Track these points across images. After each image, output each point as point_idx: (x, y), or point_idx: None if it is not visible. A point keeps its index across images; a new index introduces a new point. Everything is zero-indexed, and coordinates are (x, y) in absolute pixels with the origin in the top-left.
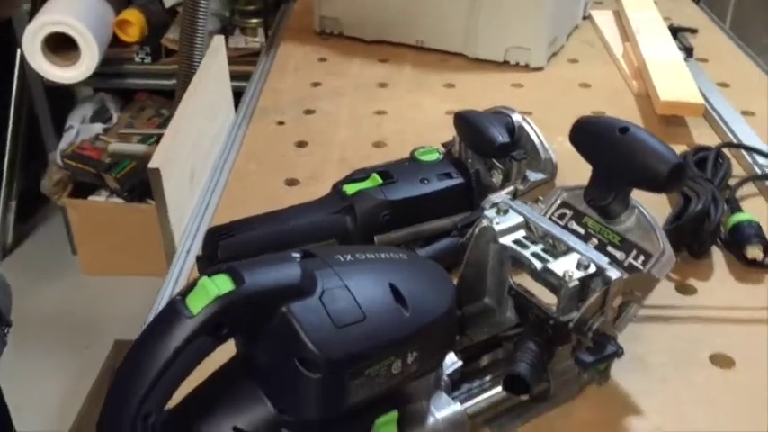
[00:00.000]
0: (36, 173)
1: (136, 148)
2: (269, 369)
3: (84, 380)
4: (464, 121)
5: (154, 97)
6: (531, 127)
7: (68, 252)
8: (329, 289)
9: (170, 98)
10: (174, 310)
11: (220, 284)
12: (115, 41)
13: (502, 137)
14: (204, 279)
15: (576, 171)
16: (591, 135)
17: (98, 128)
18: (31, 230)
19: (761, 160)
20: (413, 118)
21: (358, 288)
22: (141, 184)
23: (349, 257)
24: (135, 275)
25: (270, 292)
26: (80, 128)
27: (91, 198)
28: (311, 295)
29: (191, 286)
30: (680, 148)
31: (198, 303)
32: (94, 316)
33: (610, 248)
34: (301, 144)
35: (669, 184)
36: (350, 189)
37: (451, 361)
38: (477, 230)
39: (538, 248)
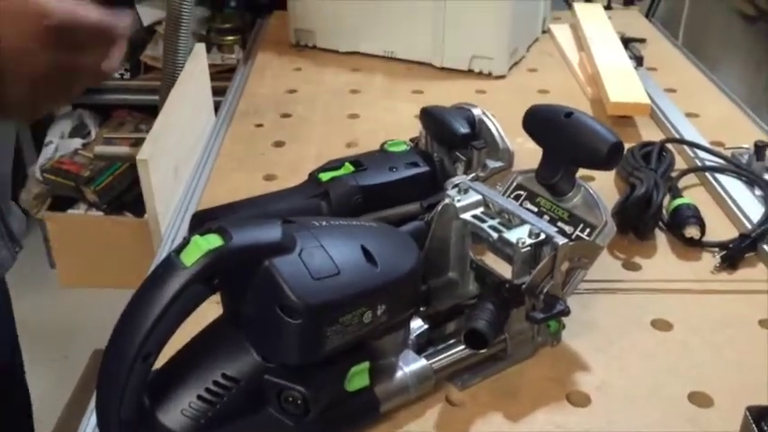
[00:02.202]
0: (15, 187)
1: (120, 150)
2: (253, 319)
3: (63, 389)
4: (429, 115)
5: (133, 113)
6: (491, 120)
7: (47, 265)
8: (307, 247)
9: (149, 114)
10: (170, 263)
11: (211, 241)
12: None
13: (463, 128)
14: (196, 237)
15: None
16: (540, 120)
17: (77, 143)
18: None
19: (702, 154)
20: (383, 120)
21: (333, 247)
22: (119, 197)
23: (324, 223)
24: (113, 288)
25: (254, 247)
26: (59, 143)
27: (70, 211)
28: (291, 252)
29: (184, 244)
30: (628, 145)
31: (191, 257)
32: (73, 327)
33: (560, 224)
34: (278, 144)
35: (609, 161)
36: (324, 176)
37: (418, 325)
38: (440, 207)
39: (495, 222)
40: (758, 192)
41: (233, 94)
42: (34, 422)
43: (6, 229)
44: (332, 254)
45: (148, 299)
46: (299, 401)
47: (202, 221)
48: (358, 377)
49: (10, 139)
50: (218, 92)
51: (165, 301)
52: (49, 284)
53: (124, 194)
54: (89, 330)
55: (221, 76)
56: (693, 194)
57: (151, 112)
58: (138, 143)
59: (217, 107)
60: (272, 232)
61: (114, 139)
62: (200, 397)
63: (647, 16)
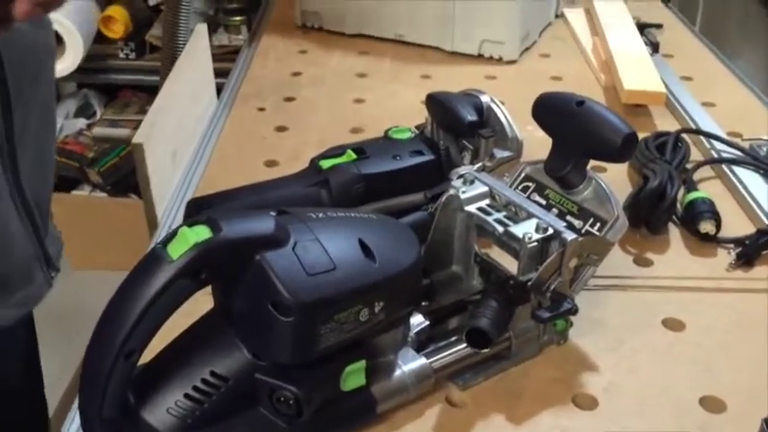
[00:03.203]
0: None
1: (120, 132)
2: (244, 315)
3: (67, 370)
4: (436, 102)
5: (138, 94)
6: (499, 108)
7: None
8: (301, 241)
9: (154, 95)
10: (156, 255)
11: (199, 233)
12: (99, 38)
13: (471, 115)
14: (184, 228)
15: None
16: (550, 108)
17: (82, 123)
18: None
19: (719, 146)
20: (390, 106)
21: (329, 241)
22: (124, 179)
23: (321, 215)
24: (117, 270)
25: (245, 240)
26: (63, 123)
27: (74, 192)
28: (284, 246)
29: (171, 235)
30: (642, 135)
31: (178, 250)
32: (77, 309)
33: (569, 218)
34: (281, 129)
35: (622, 153)
36: (325, 164)
37: (419, 321)
38: (444, 199)
39: (501, 215)
40: None
41: (236, 76)
42: None
43: (44, 255)
44: (327, 248)
45: (132, 294)
46: (292, 401)
47: (198, 209)
48: (354, 376)
49: (51, 158)
50: (223, 73)
51: (149, 296)
52: None
53: (129, 176)
54: (93, 313)
55: (227, 57)
56: (709, 188)
57: (156, 92)
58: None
59: (221, 89)
60: (264, 224)
61: (119, 121)
62: (187, 395)
63: (663, 1)
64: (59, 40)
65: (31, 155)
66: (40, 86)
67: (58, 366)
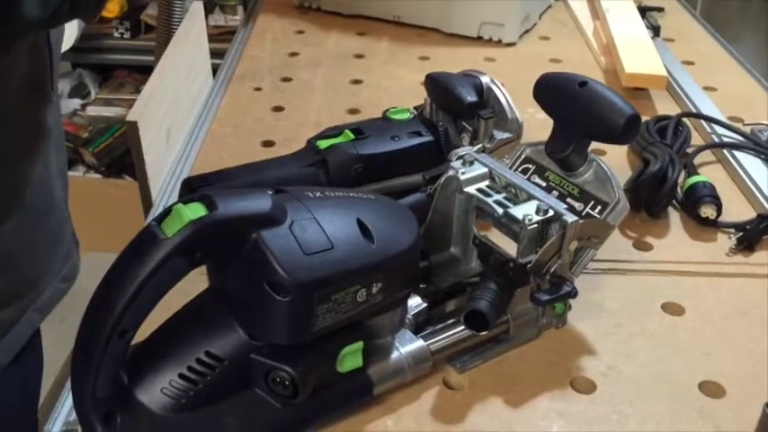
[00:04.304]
0: None
1: (114, 111)
2: (240, 295)
3: (59, 352)
4: (435, 82)
5: (133, 74)
6: (499, 89)
7: None
8: (299, 220)
9: (149, 75)
10: (150, 233)
11: (194, 210)
12: None
13: (470, 96)
14: (179, 206)
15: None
16: (552, 89)
17: (76, 103)
18: None
19: (720, 130)
20: (387, 87)
21: (326, 220)
22: (119, 160)
23: (318, 194)
24: (110, 252)
25: (241, 218)
26: None
27: (68, 173)
28: (281, 224)
29: (166, 212)
30: (643, 119)
31: (172, 227)
32: (70, 290)
33: (570, 200)
34: (278, 109)
35: (625, 135)
36: (323, 144)
37: (417, 303)
38: (443, 180)
39: (500, 197)
40: None
41: (232, 56)
42: None
43: (73, 234)
44: (325, 227)
45: (125, 272)
46: (288, 383)
47: (193, 188)
48: (350, 358)
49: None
50: (220, 54)
51: (143, 274)
52: None
53: (124, 157)
54: (85, 294)
55: (224, 38)
56: (709, 172)
57: (151, 72)
58: None
59: (217, 70)
60: (260, 203)
61: (114, 101)
62: (181, 375)
63: None
64: None
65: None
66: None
67: (49, 345)
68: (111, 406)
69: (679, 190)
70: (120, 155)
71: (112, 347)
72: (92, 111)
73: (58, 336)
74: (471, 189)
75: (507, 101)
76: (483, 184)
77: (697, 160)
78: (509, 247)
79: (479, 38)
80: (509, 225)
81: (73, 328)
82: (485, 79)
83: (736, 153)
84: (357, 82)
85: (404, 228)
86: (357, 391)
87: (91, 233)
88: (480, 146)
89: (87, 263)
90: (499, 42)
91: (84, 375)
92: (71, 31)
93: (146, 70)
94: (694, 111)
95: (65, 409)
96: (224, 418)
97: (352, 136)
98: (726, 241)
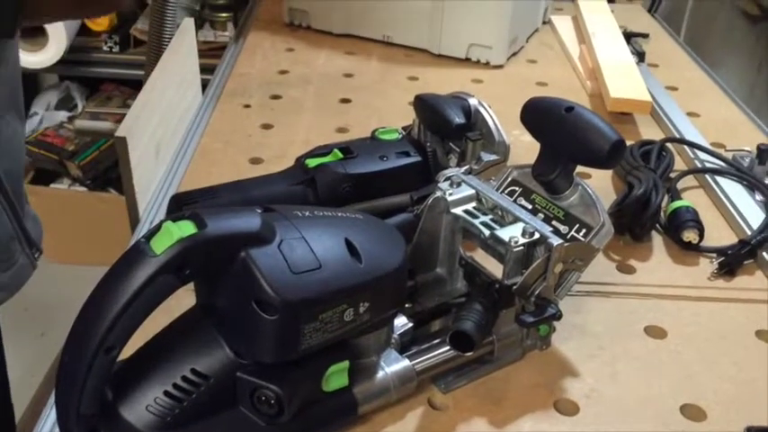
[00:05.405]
0: None
1: (102, 125)
2: (227, 313)
3: (39, 366)
4: (423, 103)
5: (121, 88)
6: (487, 111)
7: None
8: (287, 239)
9: (137, 89)
10: (139, 250)
11: (183, 228)
12: (83, 30)
13: (459, 118)
14: (168, 223)
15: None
16: (539, 113)
17: (62, 116)
18: None
19: (702, 156)
20: (376, 107)
21: (315, 240)
22: (104, 173)
23: (307, 213)
24: (94, 265)
25: (230, 237)
26: (44, 115)
27: (53, 186)
28: (270, 243)
29: (155, 230)
30: (627, 143)
31: (161, 245)
32: (51, 303)
33: (555, 223)
34: (266, 126)
35: (610, 160)
36: (312, 162)
37: (402, 323)
38: (431, 201)
39: (487, 218)
40: (759, 197)
41: (222, 72)
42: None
43: (24, 234)
44: (313, 247)
45: (113, 288)
46: (273, 401)
47: (181, 204)
48: (336, 377)
49: (20, 138)
50: (209, 70)
51: (131, 291)
52: None
53: (109, 171)
54: (67, 308)
55: (213, 54)
56: (692, 197)
57: (139, 87)
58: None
59: (207, 86)
60: (249, 221)
61: (101, 114)
62: (166, 393)
63: (649, 11)
64: (42, 31)
65: None
66: (6, 66)
67: (30, 360)
68: (96, 423)
69: (662, 214)
70: (106, 169)
71: (98, 364)
72: (78, 124)
73: (38, 350)
74: (458, 210)
75: (495, 123)
76: (470, 206)
77: (680, 185)
78: (495, 268)
79: (467, 59)
80: (495, 247)
81: (53, 342)
82: (473, 101)
83: (719, 178)
84: (346, 101)
85: (392, 248)
86: (342, 410)
87: (75, 246)
88: (467, 167)
89: (71, 276)
90: (487, 64)
91: (68, 391)
92: (59, 44)
93: (134, 84)
94: (678, 136)
95: (47, 424)
96: None
97: (340, 155)
98: (708, 266)
